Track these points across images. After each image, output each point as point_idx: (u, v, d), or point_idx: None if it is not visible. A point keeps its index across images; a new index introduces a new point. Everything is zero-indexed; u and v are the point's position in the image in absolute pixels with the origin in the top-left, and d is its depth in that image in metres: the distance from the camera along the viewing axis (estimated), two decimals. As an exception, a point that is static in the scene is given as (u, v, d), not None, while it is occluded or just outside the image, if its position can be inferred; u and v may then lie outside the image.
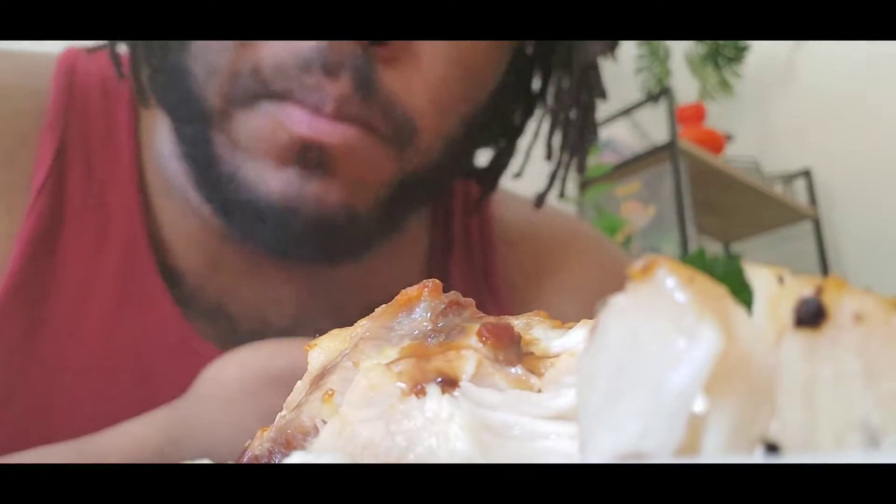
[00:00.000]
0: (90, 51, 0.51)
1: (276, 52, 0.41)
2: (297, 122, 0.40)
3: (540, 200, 0.57)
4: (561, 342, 0.22)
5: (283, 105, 0.41)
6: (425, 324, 0.23)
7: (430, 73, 0.43)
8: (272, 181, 0.42)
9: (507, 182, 0.59)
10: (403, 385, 0.20)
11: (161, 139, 0.50)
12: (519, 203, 0.62)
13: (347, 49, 0.40)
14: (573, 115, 0.52)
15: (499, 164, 0.56)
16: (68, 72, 0.49)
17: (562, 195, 0.56)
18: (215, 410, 0.37)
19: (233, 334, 0.49)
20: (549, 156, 0.55)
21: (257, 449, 0.21)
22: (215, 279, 0.49)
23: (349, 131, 0.41)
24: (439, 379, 0.20)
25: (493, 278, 0.57)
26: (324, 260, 0.49)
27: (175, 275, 0.48)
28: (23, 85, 0.47)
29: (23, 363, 0.43)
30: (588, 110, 0.52)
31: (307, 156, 0.41)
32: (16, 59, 0.49)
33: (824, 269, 2.24)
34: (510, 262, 0.58)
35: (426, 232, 0.57)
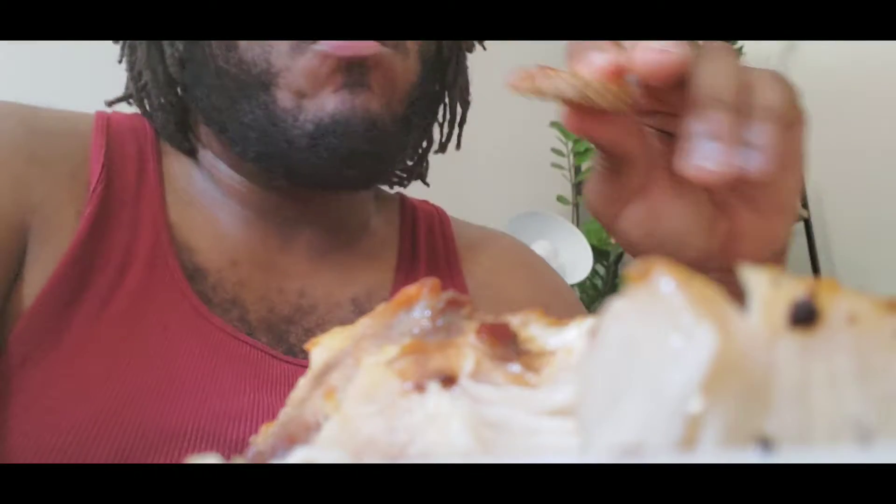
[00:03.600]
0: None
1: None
2: (338, 47, 0.50)
3: (444, 147, 0.69)
4: (557, 339, 0.23)
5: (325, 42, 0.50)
6: (424, 322, 0.24)
7: None
8: (329, 105, 0.51)
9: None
10: (404, 382, 0.21)
11: (183, 165, 0.61)
12: (466, 224, 0.73)
13: None
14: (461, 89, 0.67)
15: (427, 147, 0.68)
16: (103, 118, 0.60)
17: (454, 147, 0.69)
18: None
19: (244, 323, 0.55)
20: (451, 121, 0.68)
21: (261, 444, 0.22)
22: (234, 274, 0.57)
23: (377, 46, 0.51)
24: (439, 376, 0.21)
25: (459, 277, 0.66)
26: (364, 179, 0.58)
27: (198, 272, 0.56)
28: (71, 130, 0.58)
29: (67, 321, 0.50)
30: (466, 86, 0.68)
31: (352, 75, 0.50)
32: (62, 113, 0.60)
33: (815, 269, 2.25)
34: (472, 262, 0.68)
35: (395, 241, 0.66)
